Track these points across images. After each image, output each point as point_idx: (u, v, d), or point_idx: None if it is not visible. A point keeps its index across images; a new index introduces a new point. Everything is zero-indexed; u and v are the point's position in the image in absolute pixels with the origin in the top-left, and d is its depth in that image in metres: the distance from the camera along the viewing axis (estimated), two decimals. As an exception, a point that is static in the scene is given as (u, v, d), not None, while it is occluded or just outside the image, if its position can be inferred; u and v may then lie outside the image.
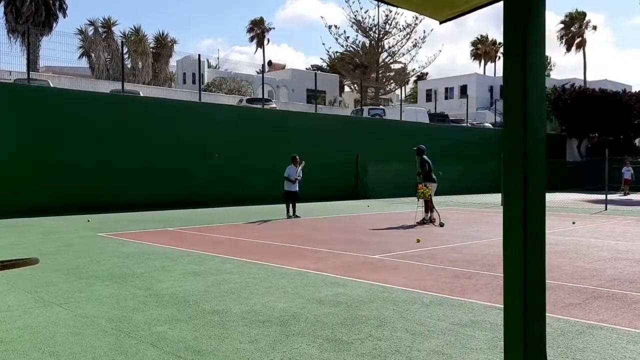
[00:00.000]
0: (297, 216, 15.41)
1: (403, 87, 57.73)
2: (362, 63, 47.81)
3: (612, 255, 8.86)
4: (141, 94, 23.17)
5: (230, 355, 4.07)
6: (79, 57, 37.71)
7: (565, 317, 5.15)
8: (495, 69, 66.41)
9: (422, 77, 59.13)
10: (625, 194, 25.79)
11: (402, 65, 48.95)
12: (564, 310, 5.43)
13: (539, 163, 1.77)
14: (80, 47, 37.58)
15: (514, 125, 1.79)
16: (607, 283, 6.74)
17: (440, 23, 2.80)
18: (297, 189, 15.61)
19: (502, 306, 5.49)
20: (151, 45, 41.15)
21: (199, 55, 22.49)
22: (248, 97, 30.63)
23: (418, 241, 10.29)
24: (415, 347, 4.26)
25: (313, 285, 6.50)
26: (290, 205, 15.54)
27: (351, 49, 47.97)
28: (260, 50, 65.68)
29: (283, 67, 50.90)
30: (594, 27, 60.43)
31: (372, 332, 4.64)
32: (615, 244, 10.35)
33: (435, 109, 38.94)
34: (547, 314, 5.36)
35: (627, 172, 26.34)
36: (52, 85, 21.27)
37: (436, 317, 5.15)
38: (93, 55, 37.31)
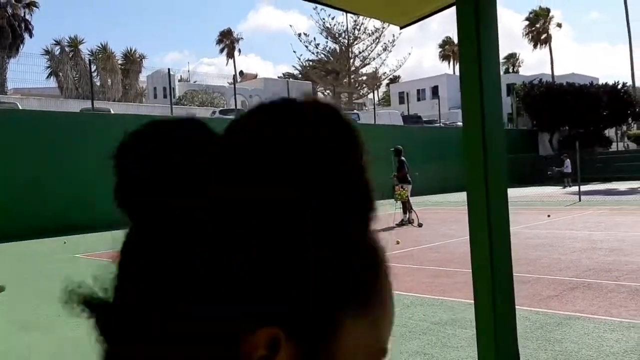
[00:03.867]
0: None
1: (376, 91, 58.16)
2: (334, 69, 48.07)
3: (587, 246, 9.03)
4: (112, 111, 22.93)
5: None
6: (47, 77, 37.23)
7: (543, 310, 5.24)
8: (465, 68, 67.28)
9: (394, 80, 59.64)
10: (564, 186, 26.33)
11: (374, 70, 49.34)
12: (542, 302, 5.52)
13: (499, 159, 1.81)
14: (48, 67, 37.10)
15: (473, 124, 1.82)
16: (583, 273, 6.86)
17: (401, 28, 2.86)
18: None
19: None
20: (120, 61, 40.79)
21: (169, 69, 22.39)
22: (221, 109, 30.53)
23: (397, 243, 10.34)
24: (397, 349, 4.28)
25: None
26: None
27: (322, 55, 48.23)
28: (231, 61, 65.63)
29: (255, 77, 50.90)
30: (559, 25, 61.69)
31: (354, 337, 4.66)
32: (590, 234, 10.55)
33: (408, 111, 39.29)
34: (526, 308, 5.46)
35: (568, 167, 26.80)
36: (20, 107, 20.93)
37: (417, 317, 5.19)
38: (61, 74, 36.83)
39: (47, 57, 37.32)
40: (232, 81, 27.79)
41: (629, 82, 45.72)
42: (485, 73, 1.77)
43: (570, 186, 25.90)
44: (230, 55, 65.42)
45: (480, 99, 1.78)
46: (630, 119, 39.44)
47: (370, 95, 54.25)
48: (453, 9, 2.07)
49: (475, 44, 1.79)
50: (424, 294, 6.16)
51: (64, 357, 4.51)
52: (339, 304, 0.41)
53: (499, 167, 1.77)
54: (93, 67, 36.05)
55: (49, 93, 33.28)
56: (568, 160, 26.73)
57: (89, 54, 38.11)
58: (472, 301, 4.97)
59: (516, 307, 4.97)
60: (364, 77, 50.10)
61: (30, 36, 41.53)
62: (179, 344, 0.38)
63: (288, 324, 0.38)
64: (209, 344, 0.38)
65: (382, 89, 64.36)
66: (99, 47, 40.26)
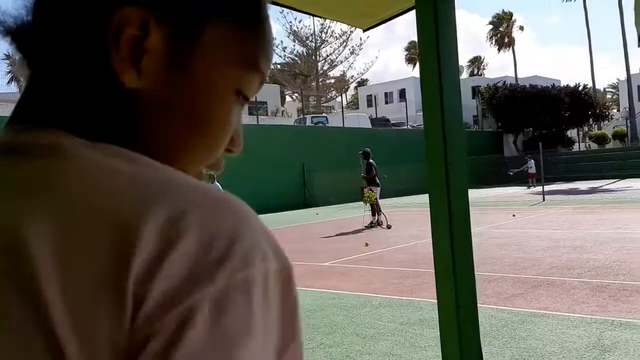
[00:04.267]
0: None
1: (344, 94, 58.43)
2: (302, 72, 48.10)
3: (551, 244, 9.23)
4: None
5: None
6: (8, 83, 36.20)
7: (508, 308, 5.32)
8: (432, 71, 68.16)
9: (362, 83, 60.03)
10: (529, 187, 26.78)
11: (341, 73, 49.59)
12: (507, 301, 5.61)
13: (460, 159, 1.83)
14: (9, 72, 36.11)
15: (433, 125, 1.84)
16: (547, 271, 7.01)
17: (364, 31, 2.89)
18: None
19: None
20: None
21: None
22: (188, 113, 30.17)
23: (366, 245, 10.39)
24: (366, 351, 4.30)
25: (263, 298, 6.46)
26: None
27: (289, 59, 48.20)
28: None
29: (222, 80, 50.43)
30: (521, 28, 63.06)
31: (323, 340, 4.65)
32: (553, 233, 10.79)
33: (376, 113, 39.61)
34: (492, 306, 5.52)
35: (532, 168, 27.27)
36: (-21, 112, 20.33)
37: (386, 318, 5.22)
38: (22, 79, 35.84)
39: (8, 62, 36.34)
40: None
41: (590, 84, 47.00)
42: (445, 75, 1.79)
43: (534, 186, 26.38)
44: (197, 58, 64.80)
45: (440, 101, 1.80)
46: (591, 120, 40.52)
47: (339, 99, 54.50)
48: (414, 12, 2.10)
49: (434, 47, 1.81)
50: (392, 295, 6.20)
51: None
52: (210, 11, 0.46)
53: (460, 168, 1.80)
54: (56, 71, 35.21)
55: (10, 99, 32.42)
56: (532, 161, 27.25)
57: (51, 58, 37.12)
58: (439, 301, 4.90)
59: (482, 305, 5.04)
60: (332, 81, 50.28)
61: (-10, 39, 40.41)
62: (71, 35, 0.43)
63: (158, 10, 0.43)
64: (87, 22, 0.43)
65: (351, 92, 64.74)
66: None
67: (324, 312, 5.62)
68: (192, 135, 0.46)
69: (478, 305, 5.29)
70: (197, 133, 0.47)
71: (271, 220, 18.33)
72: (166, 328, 0.33)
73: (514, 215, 14.53)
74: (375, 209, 13.83)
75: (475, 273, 5.77)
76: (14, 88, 36.50)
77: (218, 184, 14.74)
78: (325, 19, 2.52)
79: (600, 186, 24.60)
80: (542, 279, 6.54)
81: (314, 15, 2.51)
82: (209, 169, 0.53)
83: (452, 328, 1.85)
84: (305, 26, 56.14)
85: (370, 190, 13.72)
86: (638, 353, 3.87)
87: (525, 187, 26.63)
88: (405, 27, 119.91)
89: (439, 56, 1.78)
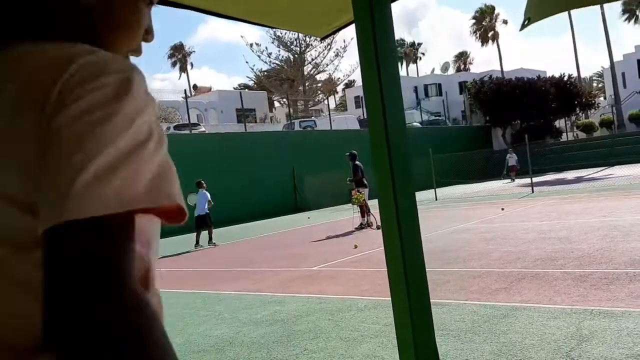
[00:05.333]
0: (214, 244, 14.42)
1: (333, 96, 58.54)
2: (288, 77, 48.15)
3: (537, 236, 9.29)
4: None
5: (163, 391, 3.99)
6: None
7: (491, 303, 5.37)
8: (418, 69, 68.47)
9: (350, 84, 60.14)
10: (512, 180, 26.75)
11: (328, 75, 49.67)
12: (491, 296, 5.66)
13: (404, 162, 1.88)
14: None
15: (377, 131, 1.88)
16: (532, 264, 7.06)
17: (322, 39, 2.96)
18: (204, 212, 14.09)
19: (434, 301, 5.64)
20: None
21: (118, 87, 21.95)
22: (175, 124, 30.18)
23: (355, 247, 10.43)
24: (348, 354, 4.33)
25: (250, 307, 6.48)
26: (203, 232, 14.30)
27: (275, 64, 48.26)
28: (184, 75, 65.00)
29: (209, 89, 50.52)
30: (505, 21, 63.35)
31: (307, 346, 4.68)
32: (541, 224, 10.86)
33: (364, 114, 39.65)
34: (475, 302, 5.54)
35: (512, 159, 27.17)
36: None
37: (370, 320, 5.25)
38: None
39: None
40: (186, 96, 27.46)
41: (575, 74, 47.25)
42: (384, 77, 1.84)
43: (513, 180, 26.41)
44: (183, 69, 64.83)
45: (382, 108, 1.85)
46: (578, 109, 40.77)
47: (329, 101, 54.57)
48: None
49: (373, 55, 1.86)
50: (378, 296, 6.23)
51: None
52: None
53: (405, 169, 1.84)
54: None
55: None
56: (513, 154, 27.29)
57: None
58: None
59: (465, 302, 5.11)
60: (319, 84, 50.35)
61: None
62: None
63: None
64: None
65: (340, 94, 64.83)
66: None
67: (309, 317, 5.65)
68: (115, 33, 0.75)
69: (462, 302, 5.38)
70: (118, 30, 0.75)
71: (263, 227, 18.34)
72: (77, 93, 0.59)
73: (502, 209, 14.61)
74: (365, 210, 13.88)
75: (462, 269, 5.94)
76: None
77: (207, 193, 14.64)
78: (284, 30, 2.57)
79: (588, 175, 24.77)
80: (526, 272, 6.60)
81: (271, 27, 2.56)
82: (131, 53, 0.81)
83: (406, 323, 1.89)
84: (289, 32, 56.24)
85: (358, 191, 13.76)
86: (614, 341, 3.92)
87: (509, 181, 26.68)
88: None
89: (378, 64, 1.82)
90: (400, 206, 1.83)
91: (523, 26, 1.63)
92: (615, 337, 3.99)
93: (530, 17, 1.60)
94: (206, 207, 14.13)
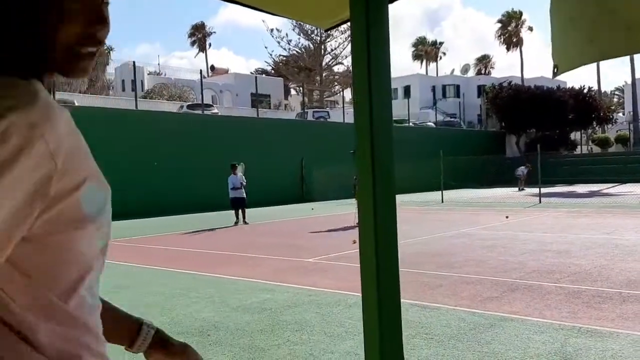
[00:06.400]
0: (246, 223, 15.24)
1: (349, 89, 58.34)
2: (306, 66, 48.02)
3: (537, 248, 9.22)
4: (76, 103, 22.52)
5: (141, 369, 4.01)
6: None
7: (480, 311, 5.33)
8: (437, 68, 68.00)
9: (367, 78, 59.76)
10: (519, 189, 26.76)
11: (346, 67, 49.44)
12: (480, 304, 5.62)
13: (387, 162, 1.85)
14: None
15: (363, 130, 1.85)
16: (527, 275, 7.00)
17: (326, 30, 2.92)
18: (244, 195, 15.45)
19: (423, 303, 5.62)
20: (86, 52, 39.79)
21: (134, 62, 22.07)
22: (189, 103, 30.23)
23: (354, 242, 10.39)
24: (330, 350, 4.32)
25: (241, 293, 6.49)
26: (240, 211, 15.38)
27: (294, 52, 48.12)
28: (202, 54, 65.01)
29: (226, 71, 50.49)
30: (530, 28, 62.59)
31: (290, 337, 4.67)
32: (543, 236, 10.77)
33: (379, 109, 39.48)
34: (464, 308, 5.50)
35: (519, 170, 27.22)
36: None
37: (357, 317, 5.23)
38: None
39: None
40: (201, 76, 27.47)
41: (595, 87, 46.74)
42: (374, 79, 1.80)
43: (523, 189, 26.34)
44: (202, 49, 64.83)
45: (370, 110, 1.82)
46: (594, 123, 40.35)
47: (346, 93, 54.40)
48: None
49: (365, 55, 1.82)
50: (369, 294, 6.20)
51: None
52: None
53: (387, 171, 1.81)
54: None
55: (12, 83, 32.48)
56: (522, 167, 27.16)
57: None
58: (414, 301, 5.09)
59: (455, 307, 5.07)
60: (336, 75, 50.17)
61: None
62: None
63: None
64: None
65: (356, 87, 64.49)
66: (65, 37, 39.10)
67: (296, 309, 5.64)
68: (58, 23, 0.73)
69: (452, 307, 5.34)
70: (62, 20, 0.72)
71: (267, 214, 18.38)
72: None
73: (507, 217, 14.52)
74: (368, 206, 13.85)
75: (456, 274, 5.89)
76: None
77: (239, 175, 15.31)
78: (287, 18, 2.54)
79: (599, 190, 24.54)
80: (520, 283, 6.54)
81: (273, 14, 2.53)
82: (80, 47, 0.76)
83: (373, 324, 1.87)
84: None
85: (363, 187, 13.71)
86: (597, 361, 3.88)
87: (517, 190, 26.55)
88: (413, 23, 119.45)
89: (369, 67, 1.79)
90: (379, 210, 1.80)
91: (554, 74, 1.58)
92: (599, 358, 3.95)
93: (558, 65, 1.55)
94: (242, 189, 15.42)
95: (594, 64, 52.45)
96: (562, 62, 1.53)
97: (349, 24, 2.61)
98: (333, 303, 5.84)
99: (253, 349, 4.41)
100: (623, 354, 4.02)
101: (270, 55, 64.29)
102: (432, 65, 68.05)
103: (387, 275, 1.90)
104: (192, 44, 65.08)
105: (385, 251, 1.88)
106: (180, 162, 20.24)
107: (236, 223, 15.22)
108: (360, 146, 1.82)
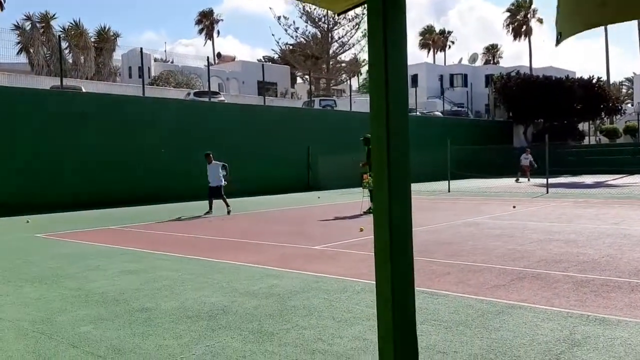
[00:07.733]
0: (228, 212, 14.79)
1: (356, 77, 58.07)
2: (313, 54, 47.81)
3: (545, 237, 9.20)
4: (83, 89, 22.55)
5: (152, 352, 4.05)
6: (18, 53, 36.26)
7: (488, 299, 5.33)
8: (445, 57, 67.55)
9: (374, 67, 59.46)
10: (524, 179, 26.54)
11: (353, 56, 49.21)
12: (488, 291, 5.62)
13: (403, 157, 1.84)
14: (19, 43, 36.16)
15: (378, 118, 1.85)
16: (535, 264, 7.00)
17: (338, 15, 2.87)
18: (220, 184, 14.99)
19: (431, 290, 5.63)
20: (93, 39, 39.86)
21: (141, 48, 22.00)
22: (196, 91, 30.19)
23: (361, 230, 10.41)
24: (338, 334, 4.34)
25: (249, 279, 6.51)
26: (216, 201, 14.99)
27: (302, 39, 47.90)
28: (209, 42, 64.83)
29: (233, 59, 50.35)
30: (540, 20, 61.92)
31: (298, 322, 4.70)
32: (550, 226, 10.74)
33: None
34: (472, 296, 5.51)
35: (525, 160, 26.86)
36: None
37: (364, 304, 5.25)
38: (32, 50, 35.92)
39: (18, 32, 36.38)
40: (208, 63, 27.40)
41: (604, 77, 46.33)
42: (390, 66, 1.79)
43: (519, 179, 26.17)
44: (209, 36, 64.64)
45: (386, 98, 1.81)
46: (603, 114, 40.04)
47: (353, 81, 54.16)
48: None
49: (382, 40, 1.80)
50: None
51: (4, 338, 4.47)
52: None
53: (402, 164, 1.81)
54: (65, 44, 35.25)
55: (20, 69, 32.54)
56: (529, 155, 26.87)
57: (60, 31, 37.09)
58: (422, 288, 5.09)
59: (462, 295, 5.08)
60: (344, 64, 49.94)
61: (2, 9, 40.54)
62: None
63: None
64: None
65: (364, 75, 64.29)
66: (71, 23, 39.22)
67: (304, 294, 5.67)
68: None
69: (460, 294, 5.36)
70: None
71: (273, 202, 18.40)
72: None
73: (514, 207, 14.49)
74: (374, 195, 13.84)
75: (464, 262, 5.90)
76: (23, 59, 36.59)
77: (218, 165, 14.91)
78: (300, 0, 2.53)
79: (606, 181, 24.41)
80: (528, 272, 6.54)
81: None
82: None
83: (387, 312, 1.87)
84: (316, 7, 55.64)
85: (370, 176, 13.70)
86: (606, 349, 3.88)
87: (525, 180, 26.37)
88: (419, 11, 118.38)
89: (386, 52, 1.77)
90: (394, 200, 1.79)
91: (557, 42, 1.55)
92: (608, 345, 3.95)
93: (562, 32, 1.52)
94: (222, 179, 15.01)
95: (603, 55, 51.88)
96: (566, 28, 1.50)
97: (360, 8, 2.60)
98: (340, 289, 5.86)
99: (262, 333, 4.43)
100: (632, 341, 4.02)
101: (277, 42, 64.00)
102: (439, 54, 67.65)
103: (401, 264, 1.90)
104: (200, 31, 64.90)
105: (399, 240, 1.86)
106: (186, 149, 20.23)
107: (207, 213, 14.80)
108: (374, 134, 1.81)
